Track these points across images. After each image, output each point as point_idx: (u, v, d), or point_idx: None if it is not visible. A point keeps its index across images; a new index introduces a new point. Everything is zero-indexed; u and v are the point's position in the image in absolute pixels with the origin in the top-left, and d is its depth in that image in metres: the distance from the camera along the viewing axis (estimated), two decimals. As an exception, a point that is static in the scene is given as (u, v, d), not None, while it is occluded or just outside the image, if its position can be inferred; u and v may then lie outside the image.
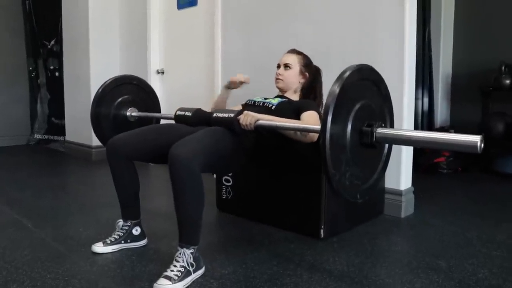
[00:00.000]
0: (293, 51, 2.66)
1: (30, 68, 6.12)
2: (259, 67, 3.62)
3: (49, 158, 5.33)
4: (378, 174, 1.96)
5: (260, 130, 2.14)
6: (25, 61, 6.15)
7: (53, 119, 6.07)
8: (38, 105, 6.15)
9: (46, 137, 6.13)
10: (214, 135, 2.07)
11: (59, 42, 5.70)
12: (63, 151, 5.64)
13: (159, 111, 3.07)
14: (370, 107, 1.82)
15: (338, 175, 1.67)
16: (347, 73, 1.69)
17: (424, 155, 4.38)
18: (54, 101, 5.99)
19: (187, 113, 2.38)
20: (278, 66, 2.64)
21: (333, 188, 1.68)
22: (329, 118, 1.60)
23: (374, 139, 1.76)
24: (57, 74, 5.90)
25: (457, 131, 4.49)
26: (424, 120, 4.87)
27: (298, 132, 2.18)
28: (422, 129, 4.81)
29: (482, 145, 1.53)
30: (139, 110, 2.90)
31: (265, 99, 2.52)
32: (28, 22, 6.02)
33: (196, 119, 2.32)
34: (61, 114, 5.74)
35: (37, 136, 6.18)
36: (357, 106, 1.74)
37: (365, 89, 1.82)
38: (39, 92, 6.12)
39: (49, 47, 5.92)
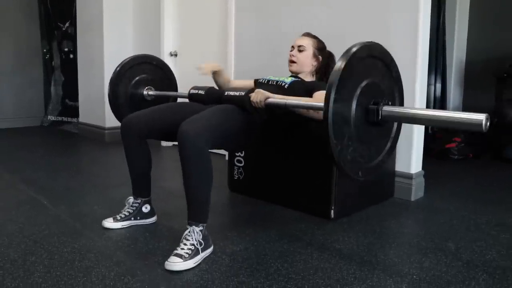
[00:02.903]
0: (308, 34, 2.68)
1: (44, 50, 6.17)
2: (272, 50, 3.64)
3: (63, 139, 5.40)
4: (384, 154, 1.97)
5: (271, 108, 2.17)
6: (40, 43, 6.19)
7: (67, 100, 6.13)
8: (52, 87, 6.21)
9: (60, 118, 6.20)
10: (224, 112, 2.11)
11: (73, 24, 5.73)
12: (77, 133, 5.70)
13: (176, 90, 3.11)
14: (378, 86, 1.83)
15: (339, 146, 1.68)
16: (354, 49, 1.70)
17: (435, 141, 4.38)
18: (68, 83, 6.05)
19: (200, 91, 2.44)
20: (292, 49, 2.65)
21: (334, 160, 1.70)
22: (333, 91, 1.62)
23: (380, 117, 1.77)
24: (71, 56, 5.95)
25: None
26: (437, 106, 4.86)
27: (311, 110, 2.22)
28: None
29: (488, 123, 1.53)
30: (156, 89, 2.93)
31: (278, 78, 2.54)
32: (42, 4, 6.06)
33: (208, 97, 2.38)
34: (74, 96, 5.80)
35: (51, 117, 6.25)
36: (364, 83, 1.75)
37: (374, 67, 1.83)
38: (53, 74, 6.18)
39: (64, 29, 5.96)
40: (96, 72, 5.19)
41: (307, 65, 2.61)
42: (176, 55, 4.79)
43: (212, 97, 2.36)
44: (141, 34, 5.16)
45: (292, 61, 2.62)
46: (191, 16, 4.65)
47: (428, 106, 4.25)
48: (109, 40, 5.09)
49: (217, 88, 2.62)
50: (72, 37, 5.87)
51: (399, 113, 1.81)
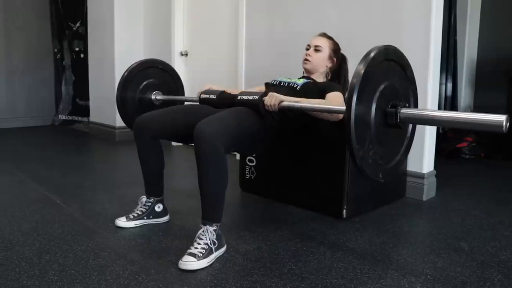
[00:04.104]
0: (324, 35, 2.65)
1: (56, 50, 6.21)
2: (282, 50, 3.64)
3: (73, 138, 5.43)
4: (401, 155, 1.99)
5: (285, 111, 2.17)
6: (51, 43, 6.23)
7: (77, 100, 6.17)
8: (63, 87, 6.24)
9: (71, 118, 6.23)
10: (239, 114, 2.11)
11: (84, 24, 5.77)
12: (87, 132, 5.74)
13: (183, 93, 3.11)
14: (394, 87, 1.84)
15: (361, 151, 1.70)
16: (373, 54, 1.70)
17: (447, 141, 4.36)
18: (78, 82, 6.08)
19: (212, 96, 2.41)
20: (308, 48, 2.63)
21: (356, 164, 1.71)
22: (355, 96, 1.63)
23: (398, 119, 1.78)
24: (82, 55, 5.98)
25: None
26: (447, 105, 4.83)
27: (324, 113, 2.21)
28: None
29: (508, 124, 1.52)
30: (163, 93, 2.94)
31: (290, 79, 2.54)
32: (53, 4, 6.09)
33: (220, 102, 2.36)
34: (85, 95, 5.84)
35: (62, 117, 6.29)
36: (382, 86, 1.76)
37: (390, 70, 1.84)
38: (64, 73, 6.21)
39: (74, 29, 6.00)
40: (107, 71, 5.21)
41: (321, 65, 2.59)
42: (186, 54, 4.80)
43: (224, 102, 2.33)
44: (151, 34, 5.18)
45: (307, 60, 2.60)
46: (202, 16, 4.66)
47: (439, 106, 4.23)
48: (119, 39, 5.11)
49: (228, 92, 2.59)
50: (83, 37, 5.91)
51: (417, 115, 1.81)
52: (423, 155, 2.89)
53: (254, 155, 2.92)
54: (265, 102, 2.13)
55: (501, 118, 1.52)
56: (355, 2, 3.15)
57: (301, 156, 2.68)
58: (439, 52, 2.89)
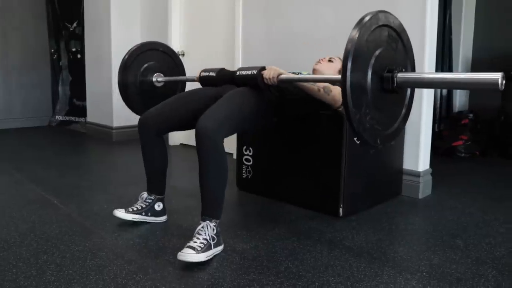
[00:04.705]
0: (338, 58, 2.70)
1: (52, 50, 6.20)
2: (279, 50, 3.65)
3: (71, 138, 5.43)
4: (399, 121, 1.96)
5: (282, 90, 2.19)
6: (47, 43, 6.23)
7: (74, 100, 6.16)
8: (60, 87, 6.24)
9: (68, 118, 6.23)
10: (239, 99, 2.14)
11: (81, 24, 5.76)
12: (84, 132, 5.74)
13: (184, 75, 3.12)
14: (391, 54, 1.82)
15: (358, 115, 1.68)
16: (367, 17, 1.70)
17: (442, 139, 4.38)
18: (75, 82, 6.08)
19: (211, 73, 2.45)
20: (323, 57, 2.70)
21: (353, 128, 1.69)
22: (349, 61, 1.61)
23: (395, 84, 1.75)
24: (78, 56, 5.98)
25: (476, 116, 4.47)
26: (443, 104, 4.86)
27: (321, 90, 2.24)
28: (440, 113, 4.80)
29: (504, 82, 1.50)
30: (165, 76, 2.95)
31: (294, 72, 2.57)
32: (50, 4, 6.09)
33: (220, 78, 2.39)
34: (82, 96, 5.83)
35: (59, 117, 6.28)
36: (377, 52, 1.74)
37: (387, 36, 1.82)
38: (60, 74, 6.21)
39: (71, 29, 5.99)
40: (104, 72, 5.21)
41: (329, 74, 2.62)
42: (183, 54, 4.81)
43: (224, 78, 2.37)
44: (148, 34, 5.18)
45: (319, 62, 2.67)
46: (199, 16, 4.67)
47: (434, 105, 4.24)
48: (116, 40, 5.11)
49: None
50: (79, 37, 5.90)
51: (414, 79, 1.79)
52: (418, 153, 2.91)
53: (250, 153, 2.93)
54: (264, 75, 2.16)
55: (496, 76, 1.50)
56: (350, 2, 3.16)
57: (297, 155, 2.69)
58: (434, 52, 2.90)
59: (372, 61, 1.72)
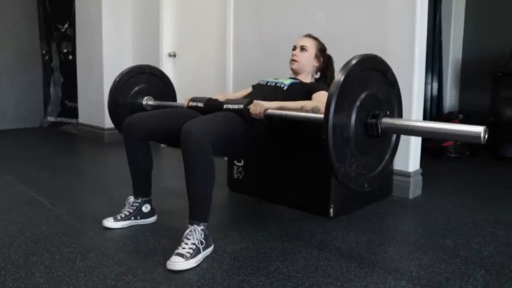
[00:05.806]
0: (309, 36, 2.69)
1: (44, 51, 6.18)
2: (270, 51, 3.66)
3: (62, 140, 5.41)
4: (386, 162, 1.97)
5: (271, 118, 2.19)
6: (39, 44, 6.20)
7: (66, 101, 6.14)
8: (52, 88, 6.21)
9: (59, 119, 6.21)
10: (226, 117, 2.13)
11: (72, 25, 5.73)
12: (76, 133, 5.72)
13: (175, 98, 3.12)
14: (375, 96, 1.81)
15: (343, 169, 1.69)
16: (350, 65, 1.68)
17: (432, 139, 4.40)
18: (67, 84, 6.05)
19: (199, 104, 2.43)
20: (294, 48, 2.66)
21: (339, 181, 1.70)
22: (332, 108, 1.61)
23: (379, 130, 1.76)
24: (70, 57, 5.95)
25: (466, 116, 4.50)
26: (433, 105, 4.88)
27: (311, 112, 2.23)
28: (431, 114, 4.82)
29: (486, 135, 1.53)
30: (155, 99, 2.95)
31: (277, 79, 2.56)
32: (41, 5, 6.06)
33: (208, 109, 2.36)
34: (74, 97, 5.81)
35: (51, 118, 6.26)
36: (361, 97, 1.74)
37: (370, 78, 1.81)
38: (52, 75, 6.18)
39: (63, 30, 5.97)
40: (95, 73, 5.20)
41: (308, 65, 2.62)
42: (174, 55, 4.81)
43: (211, 110, 2.33)
44: (140, 35, 5.17)
45: (294, 60, 2.63)
46: (190, 17, 4.67)
47: (424, 106, 4.26)
48: (108, 41, 5.10)
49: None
50: (71, 38, 5.88)
51: (398, 125, 1.78)
52: (409, 154, 2.93)
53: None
54: (251, 110, 2.15)
55: (479, 129, 1.53)
56: (341, 3, 3.18)
57: (289, 156, 2.70)
58: (424, 53, 2.92)
59: (356, 107, 1.72)
